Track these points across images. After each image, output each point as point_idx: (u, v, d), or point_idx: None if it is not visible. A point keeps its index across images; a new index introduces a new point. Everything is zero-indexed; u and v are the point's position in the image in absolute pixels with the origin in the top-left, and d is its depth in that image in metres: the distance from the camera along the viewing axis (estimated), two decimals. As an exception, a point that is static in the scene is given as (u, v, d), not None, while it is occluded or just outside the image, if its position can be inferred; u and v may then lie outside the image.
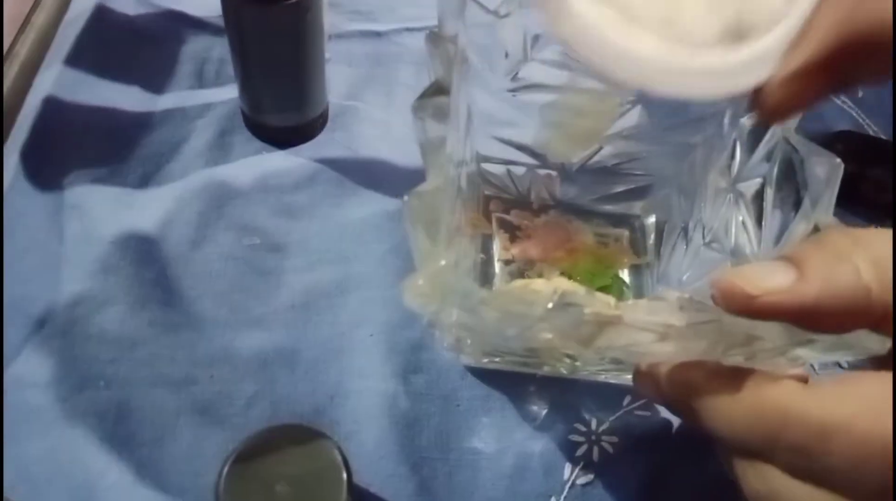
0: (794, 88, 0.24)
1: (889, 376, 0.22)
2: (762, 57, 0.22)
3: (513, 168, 0.46)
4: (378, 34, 0.58)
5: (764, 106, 0.25)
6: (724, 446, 0.28)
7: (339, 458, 0.33)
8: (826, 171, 0.34)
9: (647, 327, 0.29)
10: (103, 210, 0.46)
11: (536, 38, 0.40)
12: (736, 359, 0.34)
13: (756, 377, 0.26)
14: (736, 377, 0.26)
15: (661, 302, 0.29)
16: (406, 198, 0.30)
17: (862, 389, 0.23)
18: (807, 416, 0.23)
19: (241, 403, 0.40)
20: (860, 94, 0.58)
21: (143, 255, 0.45)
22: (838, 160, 0.34)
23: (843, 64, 0.23)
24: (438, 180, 0.33)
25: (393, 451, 0.39)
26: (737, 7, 0.23)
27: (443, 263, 0.29)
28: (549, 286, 0.29)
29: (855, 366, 0.35)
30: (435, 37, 0.37)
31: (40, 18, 0.57)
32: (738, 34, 0.23)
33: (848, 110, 0.57)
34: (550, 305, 0.29)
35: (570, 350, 0.35)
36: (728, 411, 0.26)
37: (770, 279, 0.23)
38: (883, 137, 0.55)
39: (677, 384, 0.28)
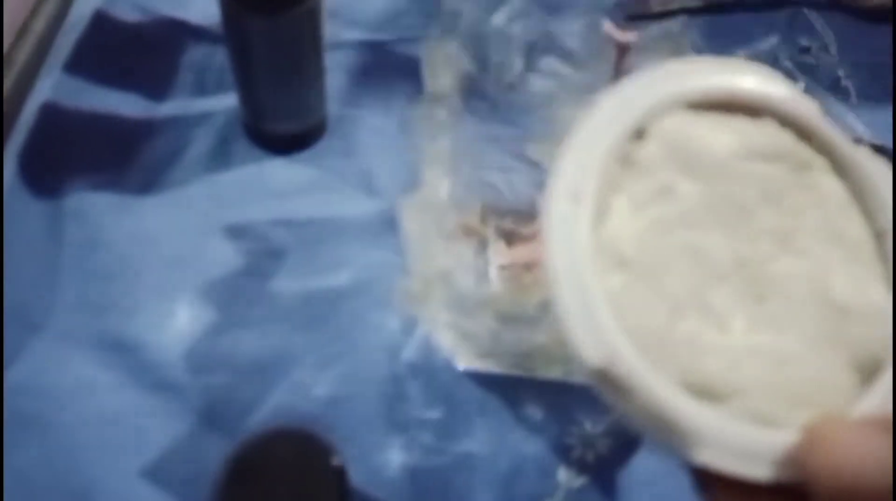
0: None
1: None
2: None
3: (509, 175, 0.47)
4: (376, 43, 0.59)
5: None
6: None
7: (335, 462, 0.33)
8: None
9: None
10: (103, 217, 0.47)
11: (532, 46, 0.40)
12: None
13: None
14: None
15: None
16: (401, 204, 0.31)
17: None
18: None
19: (238, 408, 0.40)
20: (854, 102, 0.59)
21: (143, 260, 0.45)
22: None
23: None
24: (434, 187, 0.33)
25: (390, 456, 0.39)
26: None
27: (438, 268, 0.29)
28: (543, 290, 0.30)
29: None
30: (431, 47, 0.37)
31: (39, 25, 0.58)
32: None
33: (842, 119, 0.57)
34: (545, 310, 0.29)
35: (566, 353, 0.35)
36: None
37: None
38: (876, 142, 0.56)
39: None
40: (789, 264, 0.21)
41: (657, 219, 0.21)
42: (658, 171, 0.22)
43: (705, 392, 0.20)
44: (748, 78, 0.23)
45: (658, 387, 0.19)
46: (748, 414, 0.20)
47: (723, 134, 0.23)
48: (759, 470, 0.19)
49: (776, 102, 0.23)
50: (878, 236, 0.22)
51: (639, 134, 0.22)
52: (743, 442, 0.19)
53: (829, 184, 0.22)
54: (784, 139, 0.23)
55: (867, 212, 0.22)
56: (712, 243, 0.21)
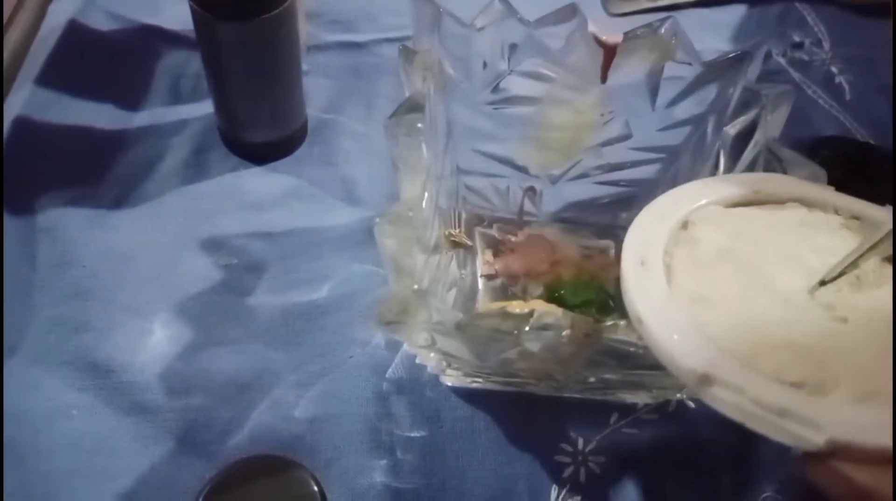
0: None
1: None
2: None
3: (494, 181, 0.45)
4: (357, 45, 0.57)
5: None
6: None
7: (315, 489, 0.32)
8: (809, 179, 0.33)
9: (626, 347, 0.28)
10: (77, 233, 0.45)
11: (514, 49, 0.39)
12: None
13: None
14: None
15: None
16: (377, 220, 0.30)
17: None
18: None
19: (216, 430, 0.39)
20: (847, 98, 0.57)
21: (118, 277, 0.43)
22: (821, 169, 0.34)
23: None
24: (413, 199, 0.32)
25: (374, 478, 0.38)
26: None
27: (415, 287, 0.28)
28: (525, 309, 0.28)
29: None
30: (408, 51, 0.36)
31: (14, 36, 0.56)
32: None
33: (836, 115, 0.56)
34: (527, 328, 0.28)
35: (551, 372, 0.34)
36: None
37: None
38: (871, 142, 0.55)
39: None
40: (844, 290, 0.27)
41: (723, 268, 0.28)
42: (708, 240, 0.29)
43: (803, 386, 0.24)
44: (771, 180, 0.33)
45: (767, 384, 0.23)
46: (849, 397, 0.23)
47: (756, 212, 0.31)
48: (883, 439, 0.22)
49: (798, 192, 0.31)
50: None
51: (684, 225, 0.30)
52: (859, 418, 0.22)
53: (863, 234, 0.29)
54: (814, 215, 0.31)
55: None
56: (773, 277, 0.28)
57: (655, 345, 0.25)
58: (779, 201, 0.32)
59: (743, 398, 0.23)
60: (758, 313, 0.26)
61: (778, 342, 0.25)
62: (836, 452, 0.22)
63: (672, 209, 0.31)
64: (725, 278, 0.28)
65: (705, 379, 0.24)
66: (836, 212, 0.31)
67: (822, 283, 0.28)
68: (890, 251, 0.28)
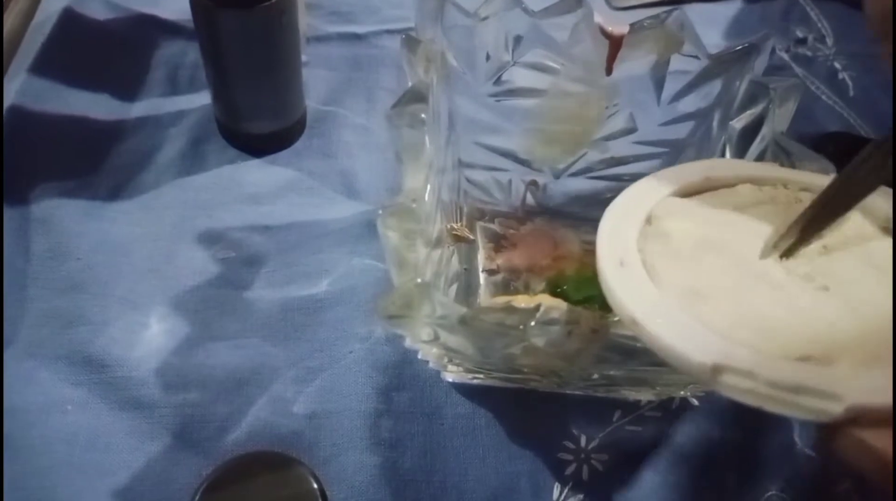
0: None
1: None
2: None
3: (497, 175, 0.45)
4: (358, 36, 0.56)
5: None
6: None
7: (314, 486, 0.31)
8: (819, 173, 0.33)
9: (633, 343, 0.28)
10: (72, 224, 0.44)
11: (518, 40, 0.38)
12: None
13: None
14: None
15: None
16: (380, 212, 0.29)
17: None
18: None
19: (214, 426, 0.38)
20: (851, 94, 0.57)
21: (113, 270, 0.43)
22: (830, 163, 0.33)
23: None
24: (416, 191, 0.31)
25: (374, 475, 0.37)
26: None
27: (419, 280, 0.28)
28: (531, 303, 0.28)
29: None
30: (411, 40, 0.35)
31: (8, 24, 0.55)
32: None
33: (839, 111, 0.56)
34: (533, 323, 0.27)
35: (556, 368, 0.34)
36: None
37: None
38: (875, 138, 0.54)
39: None
40: (814, 257, 0.28)
41: (706, 258, 0.28)
42: (679, 232, 0.29)
43: (809, 360, 0.24)
44: (717, 165, 0.34)
45: (777, 364, 0.23)
46: (856, 363, 0.23)
47: (712, 198, 0.32)
48: None
49: (746, 173, 0.33)
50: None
51: (648, 220, 0.30)
52: (873, 382, 0.22)
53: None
54: (766, 191, 0.32)
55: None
56: (750, 259, 0.28)
57: (657, 344, 0.25)
58: (729, 185, 0.32)
59: (756, 382, 0.23)
60: (748, 296, 0.26)
61: (773, 321, 0.25)
62: (857, 419, 0.22)
63: (633, 207, 0.31)
64: (712, 269, 0.28)
65: (717, 370, 0.23)
66: (785, 186, 0.32)
67: (786, 254, 0.28)
68: (839, 213, 0.28)
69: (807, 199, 0.31)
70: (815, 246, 0.28)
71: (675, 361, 0.24)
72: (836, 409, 0.22)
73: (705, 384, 0.24)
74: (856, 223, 0.29)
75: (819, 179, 0.31)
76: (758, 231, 0.29)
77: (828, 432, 0.23)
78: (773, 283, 0.27)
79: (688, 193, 0.32)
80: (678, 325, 0.25)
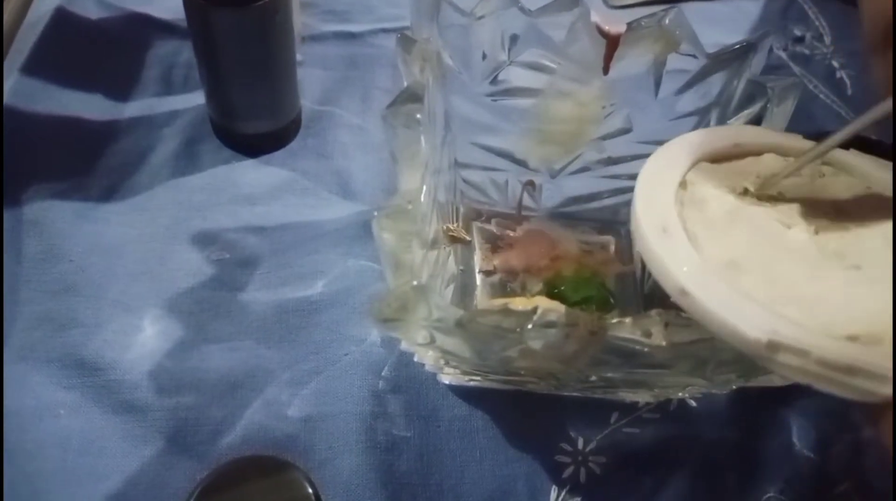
0: None
1: None
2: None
3: (493, 175, 0.45)
4: (353, 35, 0.56)
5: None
6: None
7: (308, 490, 0.31)
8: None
9: (632, 345, 0.28)
10: (64, 226, 0.44)
11: (515, 39, 0.38)
12: (727, 377, 0.33)
13: None
14: None
15: (645, 319, 0.27)
16: (375, 214, 0.29)
17: None
18: None
19: (208, 430, 0.38)
20: (849, 93, 0.57)
21: (106, 272, 0.42)
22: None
23: None
24: (411, 193, 0.31)
25: (370, 478, 0.37)
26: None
27: (414, 283, 0.27)
28: (528, 305, 0.28)
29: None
30: (407, 40, 0.35)
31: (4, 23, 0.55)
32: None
33: (837, 110, 0.55)
34: (530, 325, 0.27)
35: (553, 370, 0.33)
36: None
37: None
38: (873, 136, 0.54)
39: None
40: (842, 234, 0.28)
41: (737, 229, 0.28)
42: (713, 200, 0.29)
43: (857, 340, 0.23)
44: (746, 132, 0.34)
45: (829, 343, 0.23)
46: None
47: (742, 165, 0.31)
48: None
49: (773, 141, 0.32)
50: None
51: (682, 184, 0.29)
52: None
53: (840, 181, 0.31)
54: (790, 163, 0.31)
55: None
56: (794, 235, 0.28)
57: (709, 317, 0.24)
58: (757, 153, 0.32)
59: (808, 361, 0.23)
60: (785, 272, 0.26)
61: (812, 298, 0.25)
62: None
63: (666, 171, 0.30)
64: (745, 240, 0.27)
65: (772, 347, 0.23)
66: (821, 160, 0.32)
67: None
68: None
69: (829, 173, 0.31)
70: (843, 223, 0.28)
71: (726, 335, 0.24)
72: (886, 390, 0.22)
73: (756, 359, 0.24)
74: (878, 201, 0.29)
75: (841, 153, 0.32)
76: (784, 203, 0.29)
77: (875, 412, 0.22)
78: (806, 259, 0.27)
79: (717, 159, 0.32)
80: (727, 297, 0.24)
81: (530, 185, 0.45)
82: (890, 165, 0.31)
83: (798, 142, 0.33)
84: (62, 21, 0.53)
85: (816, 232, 0.28)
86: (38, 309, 0.41)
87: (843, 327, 0.24)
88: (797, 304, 0.24)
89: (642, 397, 0.40)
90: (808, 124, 0.53)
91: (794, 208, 0.29)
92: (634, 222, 0.28)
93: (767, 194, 0.30)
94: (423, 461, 0.38)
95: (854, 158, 0.32)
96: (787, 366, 0.23)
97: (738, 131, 0.34)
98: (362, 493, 0.36)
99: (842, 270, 0.26)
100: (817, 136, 0.50)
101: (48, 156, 0.47)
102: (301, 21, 0.55)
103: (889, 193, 0.29)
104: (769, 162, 0.32)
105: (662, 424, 0.40)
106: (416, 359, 0.36)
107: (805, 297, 0.25)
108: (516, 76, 0.39)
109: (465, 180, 0.45)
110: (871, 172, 0.31)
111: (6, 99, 0.48)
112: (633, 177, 0.43)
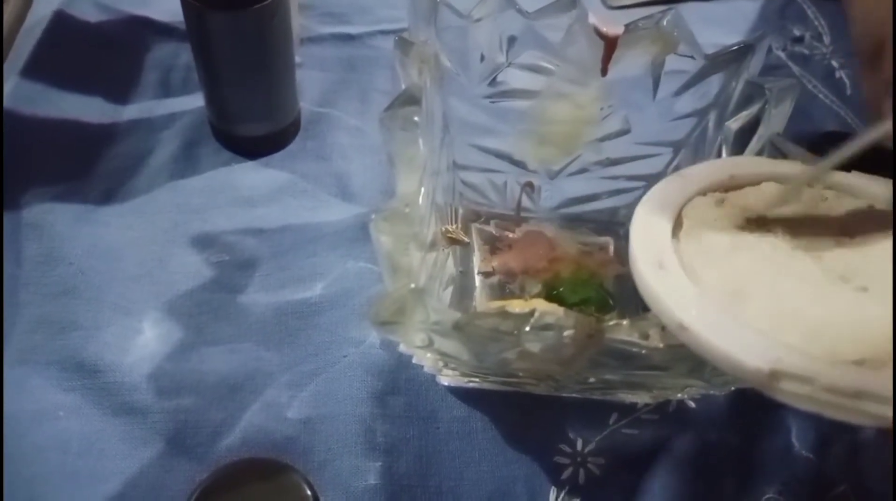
0: None
1: None
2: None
3: (492, 177, 0.45)
4: (351, 37, 0.56)
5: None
6: None
7: (307, 493, 0.31)
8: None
9: (629, 347, 0.28)
10: (64, 229, 0.44)
11: (512, 41, 0.38)
12: (726, 379, 0.33)
13: None
14: None
15: (643, 322, 0.27)
16: (373, 217, 0.29)
17: None
18: None
19: (208, 432, 0.38)
20: (848, 93, 0.57)
21: (106, 275, 0.42)
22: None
23: None
24: (409, 195, 0.31)
25: (369, 480, 0.37)
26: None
27: (412, 286, 0.27)
28: (526, 308, 0.28)
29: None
30: (405, 42, 0.35)
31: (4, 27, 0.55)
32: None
33: (836, 110, 0.55)
34: (527, 328, 0.27)
35: (551, 372, 0.33)
36: None
37: None
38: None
39: None
40: (847, 256, 0.28)
41: (740, 258, 0.28)
42: (712, 232, 0.29)
43: (864, 364, 0.23)
44: (741, 163, 0.34)
45: (834, 368, 0.23)
46: None
47: (740, 196, 0.31)
48: None
49: (770, 170, 0.32)
50: None
51: (678, 220, 0.30)
52: None
53: (844, 203, 0.31)
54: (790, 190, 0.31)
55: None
56: (797, 261, 0.28)
57: (708, 350, 0.24)
58: (754, 183, 0.32)
59: (814, 388, 0.23)
60: (790, 298, 0.26)
61: (818, 323, 0.25)
62: None
63: (662, 207, 0.30)
64: (747, 268, 0.27)
65: (774, 376, 0.23)
66: (810, 185, 0.32)
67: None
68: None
69: (832, 196, 0.31)
70: (850, 244, 0.28)
71: (728, 367, 0.24)
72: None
73: (761, 389, 0.24)
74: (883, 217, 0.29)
75: (841, 176, 0.31)
76: (786, 229, 0.29)
77: (887, 435, 0.22)
78: (811, 284, 0.27)
79: (714, 191, 0.32)
80: (727, 328, 0.24)
81: (529, 186, 0.45)
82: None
83: (795, 168, 0.33)
84: (61, 24, 0.53)
85: (821, 256, 0.28)
86: (38, 312, 0.41)
87: (849, 351, 0.23)
88: (802, 330, 0.24)
89: (641, 398, 0.40)
90: (807, 124, 0.53)
91: (797, 234, 0.29)
92: (631, 260, 0.28)
93: (769, 222, 0.30)
94: (422, 462, 0.38)
95: (857, 179, 0.32)
96: (792, 394, 0.23)
97: (733, 163, 0.34)
98: (361, 495, 0.36)
99: (848, 292, 0.26)
100: (817, 145, 0.50)
101: (47, 159, 0.47)
102: (299, 23, 0.55)
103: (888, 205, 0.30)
104: (768, 191, 0.32)
105: (661, 425, 0.40)
106: (414, 361, 0.36)
107: (810, 322, 0.25)
108: (514, 78, 0.39)
109: (463, 182, 0.45)
110: (875, 192, 0.31)
111: (6, 102, 0.48)
112: (632, 178, 0.44)
